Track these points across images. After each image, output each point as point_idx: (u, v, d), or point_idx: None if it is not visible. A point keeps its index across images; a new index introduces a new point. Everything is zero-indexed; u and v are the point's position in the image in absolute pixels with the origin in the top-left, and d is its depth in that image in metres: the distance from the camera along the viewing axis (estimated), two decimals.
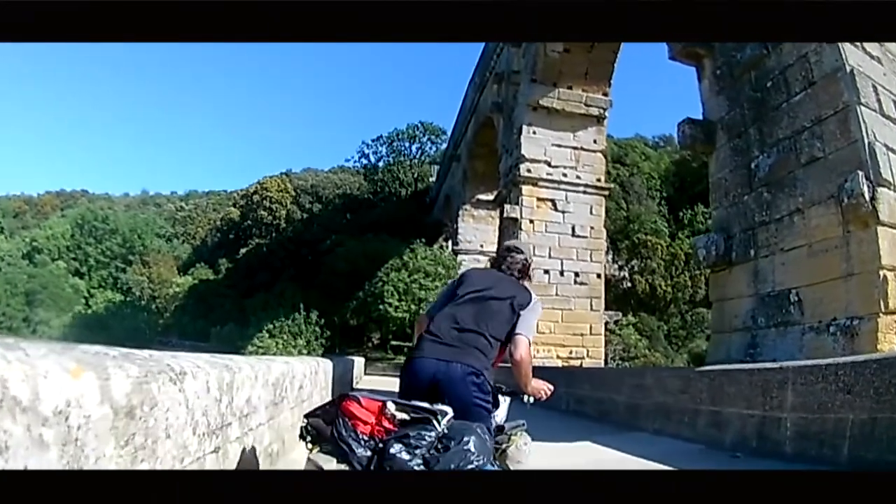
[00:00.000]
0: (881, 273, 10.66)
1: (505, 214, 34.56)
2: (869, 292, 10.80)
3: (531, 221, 33.64)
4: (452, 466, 3.31)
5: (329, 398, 13.46)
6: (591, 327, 33.86)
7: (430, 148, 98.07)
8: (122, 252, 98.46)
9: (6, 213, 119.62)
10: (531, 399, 4.84)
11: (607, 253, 41.98)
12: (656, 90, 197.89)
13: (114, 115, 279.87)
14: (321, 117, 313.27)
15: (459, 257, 57.72)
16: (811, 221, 12.24)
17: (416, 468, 3.30)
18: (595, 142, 35.72)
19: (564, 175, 34.55)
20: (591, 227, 34.81)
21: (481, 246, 57.94)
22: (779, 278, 13.17)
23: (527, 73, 34.58)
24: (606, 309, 35.62)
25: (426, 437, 3.45)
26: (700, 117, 16.44)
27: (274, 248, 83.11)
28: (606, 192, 36.96)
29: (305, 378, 10.04)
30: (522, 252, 5.25)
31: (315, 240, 74.91)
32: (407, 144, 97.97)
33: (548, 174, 34.24)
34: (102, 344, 3.23)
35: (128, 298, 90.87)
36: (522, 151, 33.98)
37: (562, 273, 33.62)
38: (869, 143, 11.12)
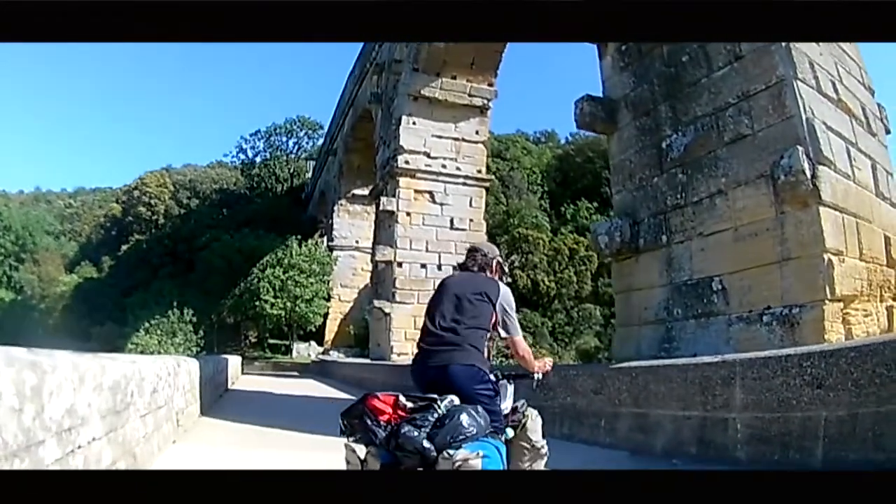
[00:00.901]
0: (825, 257, 9.71)
1: (381, 207, 33.75)
2: (811, 278, 9.86)
3: (408, 214, 32.85)
4: (449, 437, 3.98)
5: (197, 401, 12.70)
6: None
7: (307, 143, 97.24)
8: (14, 250, 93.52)
9: None
10: (540, 375, 5.58)
11: None
12: (538, 86, 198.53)
13: (9, 111, 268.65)
14: (204, 111, 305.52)
15: (335, 253, 57.04)
16: (736, 203, 11.36)
17: (423, 441, 3.95)
18: (477, 133, 35.06)
19: (444, 166, 33.81)
20: (471, 220, 34.10)
21: (357, 242, 57.42)
22: (697, 265, 12.23)
23: (409, 63, 33.60)
24: None
25: (429, 418, 4.14)
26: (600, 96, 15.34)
27: (153, 245, 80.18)
28: (487, 184, 36.46)
29: (161, 380, 8.65)
30: (481, 249, 5.67)
31: (192, 236, 72.85)
32: (284, 139, 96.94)
33: (426, 165, 33.47)
34: None
35: (19, 297, 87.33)
36: (401, 142, 33.12)
37: (440, 267, 32.53)
38: (807, 118, 10.24)
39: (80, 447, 4.41)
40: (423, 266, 32.54)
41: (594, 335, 61.92)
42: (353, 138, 52.67)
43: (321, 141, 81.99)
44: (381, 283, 33.98)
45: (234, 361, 29.91)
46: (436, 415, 4.14)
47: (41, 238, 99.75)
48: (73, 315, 72.71)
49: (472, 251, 5.63)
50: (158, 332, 51.98)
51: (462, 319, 4.87)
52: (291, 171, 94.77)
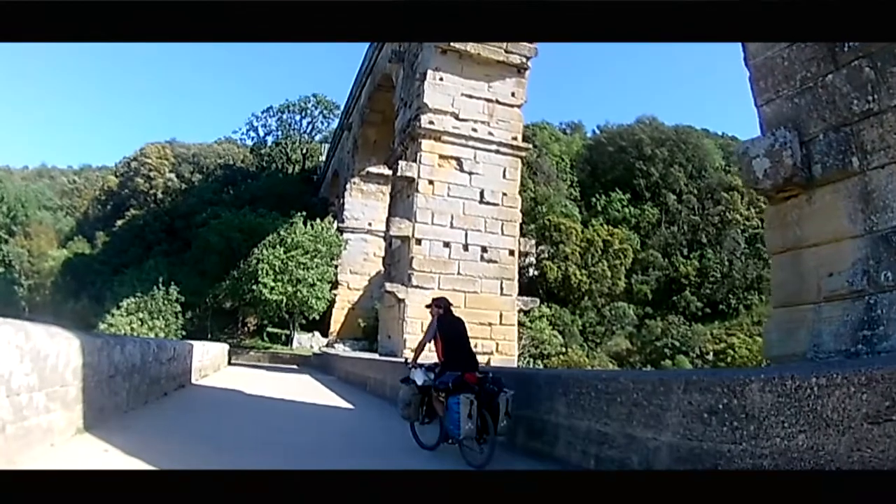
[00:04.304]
0: None
1: (399, 173, 29.51)
2: None
3: (431, 182, 28.69)
4: (502, 384, 9.41)
5: (72, 407, 8.76)
6: (501, 315, 28.70)
7: (322, 123, 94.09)
8: (5, 223, 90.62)
9: None
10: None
11: None
12: (564, 79, 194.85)
13: (21, 87, 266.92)
14: (216, 90, 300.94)
15: (345, 236, 53.09)
16: None
17: (493, 387, 9.31)
18: (513, 95, 31.07)
19: (474, 130, 29.81)
20: (504, 194, 29.99)
21: (370, 224, 54.08)
22: None
23: None
24: (518, 295, 30.01)
25: (489, 380, 9.51)
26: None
27: (149, 221, 77.73)
28: (524, 154, 32.40)
29: None
30: (446, 300, 10.97)
31: (191, 212, 69.80)
32: (297, 118, 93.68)
33: (454, 128, 29.44)
34: None
35: (1, 270, 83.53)
36: (425, 100, 29.06)
37: (466, 247, 28.78)
38: None
39: None
40: (447, 245, 28.28)
41: (626, 336, 58.48)
42: (370, 110, 49.51)
43: (336, 123, 78.38)
44: (396, 263, 29.91)
45: (210, 349, 25.87)
46: (489, 378, 9.54)
47: (35, 212, 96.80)
48: (60, 292, 70.58)
49: (442, 300, 10.91)
50: (139, 312, 47.44)
51: (465, 339, 10.38)
52: (304, 152, 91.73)
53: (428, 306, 11.16)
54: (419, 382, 10.09)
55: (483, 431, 8.97)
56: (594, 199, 76.01)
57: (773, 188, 9.15)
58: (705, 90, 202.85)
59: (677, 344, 61.16)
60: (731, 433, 6.00)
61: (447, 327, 10.17)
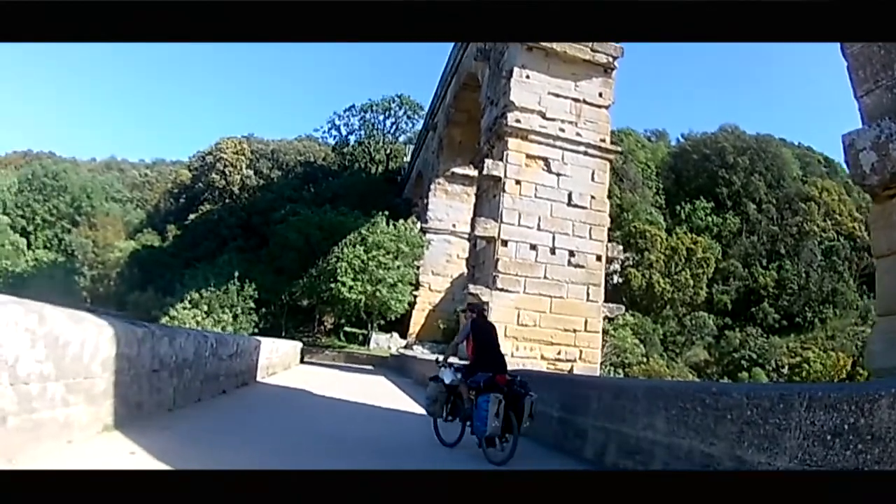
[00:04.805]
0: None
1: (485, 172, 28.60)
2: None
3: (517, 182, 28.00)
4: (529, 387, 10.40)
5: (100, 402, 8.15)
6: (586, 322, 27.86)
7: (406, 124, 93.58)
8: (69, 212, 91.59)
9: None
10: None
11: None
12: (647, 84, 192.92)
13: (93, 79, 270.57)
14: (305, 90, 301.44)
15: (428, 236, 52.21)
16: None
17: (521, 390, 10.20)
18: (601, 95, 30.40)
19: (562, 130, 29.11)
20: (592, 197, 29.16)
21: (454, 226, 53.33)
22: None
23: None
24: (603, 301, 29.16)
25: (517, 382, 10.38)
26: None
27: (224, 216, 77.68)
28: (612, 156, 31.34)
29: None
30: (481, 306, 12.76)
31: (269, 208, 69.45)
32: (381, 118, 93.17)
33: (541, 127, 28.79)
34: None
35: (59, 259, 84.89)
36: (512, 98, 28.55)
37: (553, 251, 27.93)
38: None
39: None
40: (533, 247, 27.58)
41: (705, 347, 57.55)
42: (456, 109, 49.07)
43: (421, 124, 77.86)
44: (480, 265, 29.18)
45: (280, 346, 25.78)
46: (517, 381, 10.31)
47: (101, 203, 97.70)
48: (125, 283, 71.06)
49: (476, 305, 12.51)
50: (206, 305, 47.43)
51: (496, 343, 11.43)
52: (388, 152, 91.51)
53: (462, 311, 12.75)
54: (447, 381, 11.14)
55: (506, 430, 9.89)
56: (678, 207, 75.70)
57: (881, 184, 8.43)
58: (784, 99, 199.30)
59: (754, 356, 60.35)
60: (855, 458, 5.11)
61: (480, 331, 11.33)
